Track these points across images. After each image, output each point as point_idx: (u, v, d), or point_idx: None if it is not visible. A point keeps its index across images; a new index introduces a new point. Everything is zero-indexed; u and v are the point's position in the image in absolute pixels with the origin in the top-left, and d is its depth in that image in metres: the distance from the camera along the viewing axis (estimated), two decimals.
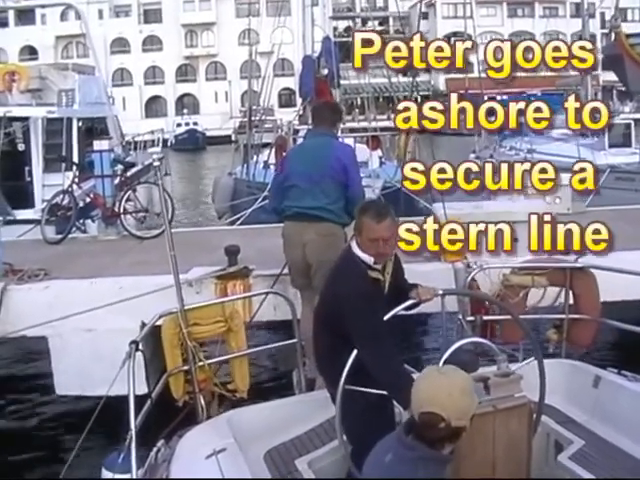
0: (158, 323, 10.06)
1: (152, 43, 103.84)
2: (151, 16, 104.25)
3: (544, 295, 8.27)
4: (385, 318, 5.18)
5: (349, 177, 8.01)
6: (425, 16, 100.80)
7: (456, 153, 25.74)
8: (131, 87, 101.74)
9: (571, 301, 8.14)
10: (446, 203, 9.89)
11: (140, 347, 6.45)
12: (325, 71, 20.65)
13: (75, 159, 16.98)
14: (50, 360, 10.27)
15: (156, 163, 8.87)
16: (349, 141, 18.50)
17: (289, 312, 7.70)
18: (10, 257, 11.31)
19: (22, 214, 15.85)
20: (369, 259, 5.30)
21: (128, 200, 14.14)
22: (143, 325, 9.96)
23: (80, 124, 19.09)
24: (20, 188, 17.34)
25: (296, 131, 21.42)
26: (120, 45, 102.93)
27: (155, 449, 5.89)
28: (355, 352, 5.06)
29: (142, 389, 10.04)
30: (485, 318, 7.91)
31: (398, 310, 5.30)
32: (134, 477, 5.06)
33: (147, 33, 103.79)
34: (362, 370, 5.03)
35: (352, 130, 23.84)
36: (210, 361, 7.32)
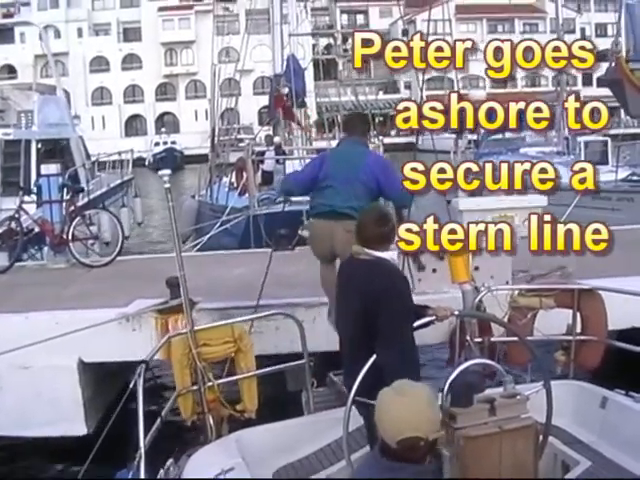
0: (103, 360, 9.77)
1: (132, 61, 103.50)
2: (130, 34, 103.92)
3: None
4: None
5: (381, 183, 8.60)
6: (405, 33, 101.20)
7: None
8: (110, 106, 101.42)
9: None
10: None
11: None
12: (285, 90, 20.15)
13: (27, 182, 16.37)
14: None
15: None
16: None
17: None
18: None
19: None
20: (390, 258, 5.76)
21: (77, 226, 13.53)
22: (80, 363, 9.54)
23: (39, 146, 18.49)
24: None
25: (261, 153, 20.94)
26: (99, 64, 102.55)
27: (164, 468, 5.81)
28: (373, 357, 5.29)
29: (82, 429, 9.71)
30: (493, 340, 8.02)
31: (417, 325, 5.61)
32: None
33: (127, 51, 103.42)
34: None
35: (318, 150, 23.36)
36: (219, 381, 7.42)
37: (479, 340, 7.84)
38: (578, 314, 8.29)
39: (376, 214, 6.04)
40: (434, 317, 5.79)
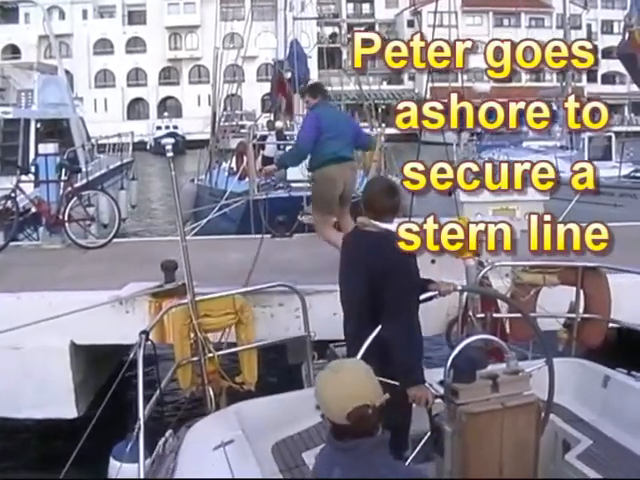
0: (96, 343, 9.66)
1: (136, 45, 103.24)
2: (135, 18, 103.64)
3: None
4: None
5: (357, 132, 11.42)
6: (411, 24, 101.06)
7: None
8: (114, 89, 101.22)
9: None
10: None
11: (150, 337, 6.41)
12: (288, 75, 20.01)
13: (26, 161, 16.21)
14: None
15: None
16: None
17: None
18: None
19: None
20: None
21: (74, 207, 13.39)
22: (72, 345, 9.42)
23: (39, 125, 18.34)
24: None
25: (263, 137, 20.80)
26: (103, 46, 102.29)
27: (163, 439, 5.82)
28: (380, 328, 5.39)
29: (72, 412, 9.60)
30: (495, 316, 8.09)
31: (420, 300, 5.67)
32: (141, 467, 5.12)
33: (131, 34, 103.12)
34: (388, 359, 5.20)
35: None
36: (220, 352, 7.38)
37: (481, 316, 8.00)
38: (582, 292, 8.37)
39: (386, 185, 6.12)
40: (437, 292, 5.88)
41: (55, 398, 9.44)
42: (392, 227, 5.65)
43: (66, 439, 9.03)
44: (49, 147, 14.07)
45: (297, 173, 16.88)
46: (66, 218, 13.31)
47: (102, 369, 10.42)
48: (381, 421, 3.97)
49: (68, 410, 9.56)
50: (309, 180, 16.44)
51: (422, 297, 5.72)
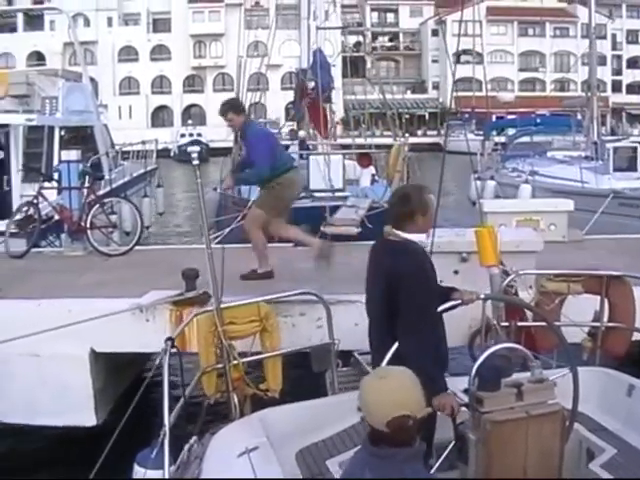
0: (116, 351, 9.62)
1: (160, 52, 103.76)
2: (160, 25, 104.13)
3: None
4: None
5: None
6: (435, 33, 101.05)
7: (457, 173, 25.19)
8: (138, 96, 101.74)
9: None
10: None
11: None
12: (312, 84, 19.93)
13: (49, 168, 16.20)
14: None
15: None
16: (337, 158, 17.95)
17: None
18: None
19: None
20: (419, 241, 5.79)
21: (96, 214, 13.41)
22: (92, 352, 9.40)
23: (63, 133, 18.34)
24: None
25: (286, 147, 20.77)
26: (128, 53, 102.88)
27: (187, 446, 5.82)
28: (397, 343, 5.40)
29: (91, 420, 9.58)
30: (520, 324, 8.11)
31: (441, 310, 5.65)
32: (166, 473, 5.14)
33: (155, 42, 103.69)
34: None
35: (343, 147, 23.15)
36: (245, 359, 7.45)
37: (506, 324, 8.00)
38: (606, 301, 8.36)
39: (400, 192, 6.23)
40: (460, 301, 5.84)
41: (74, 405, 9.42)
42: (416, 237, 5.73)
43: (84, 447, 9.09)
44: (71, 154, 14.08)
45: (320, 183, 16.84)
46: (88, 225, 13.33)
47: (122, 377, 10.41)
48: (419, 433, 4.01)
49: (87, 418, 9.53)
50: (331, 190, 16.44)
51: (445, 306, 5.72)
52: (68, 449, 9.43)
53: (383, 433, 3.90)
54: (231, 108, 10.91)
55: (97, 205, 13.65)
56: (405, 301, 5.44)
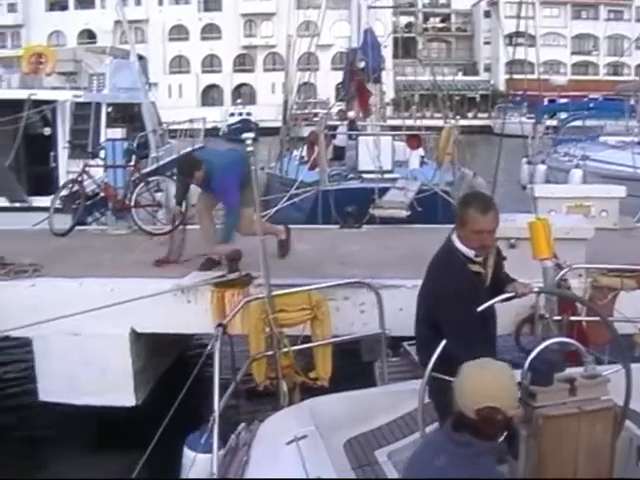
0: (156, 331, 9.51)
1: (211, 31, 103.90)
2: (211, 4, 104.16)
3: None
4: (480, 309, 5.26)
5: None
6: (487, 14, 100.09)
7: (507, 156, 24.82)
8: (188, 75, 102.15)
9: None
10: None
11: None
12: (362, 64, 19.66)
13: (96, 145, 16.08)
14: (34, 364, 9.74)
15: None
16: (386, 139, 17.70)
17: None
18: (8, 248, 10.77)
19: (45, 201, 14.62)
20: (470, 252, 5.43)
21: (141, 193, 13.31)
22: (132, 332, 9.30)
23: (110, 110, 18.26)
24: (45, 174, 16.65)
25: (333, 127, 20.56)
26: (179, 32, 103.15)
27: (236, 432, 5.84)
28: (443, 343, 5.18)
29: (130, 400, 9.51)
30: (572, 318, 7.95)
31: (494, 302, 5.47)
32: (215, 458, 5.24)
33: (206, 21, 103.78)
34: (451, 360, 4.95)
35: (392, 128, 22.88)
36: (295, 347, 7.50)
37: (558, 318, 7.79)
38: None
39: (462, 196, 6.32)
40: (514, 293, 5.73)
41: (114, 385, 9.39)
42: (459, 244, 5.45)
43: (122, 426, 9.02)
44: (116, 132, 14.06)
45: (369, 164, 16.62)
46: (133, 203, 13.23)
47: (161, 358, 10.37)
48: (503, 432, 4.04)
49: (127, 398, 9.51)
50: (380, 171, 16.20)
51: (499, 298, 5.57)
52: (107, 428, 9.38)
53: (470, 420, 3.90)
54: (194, 167, 10.24)
55: (142, 183, 13.55)
56: (444, 321, 5.35)
